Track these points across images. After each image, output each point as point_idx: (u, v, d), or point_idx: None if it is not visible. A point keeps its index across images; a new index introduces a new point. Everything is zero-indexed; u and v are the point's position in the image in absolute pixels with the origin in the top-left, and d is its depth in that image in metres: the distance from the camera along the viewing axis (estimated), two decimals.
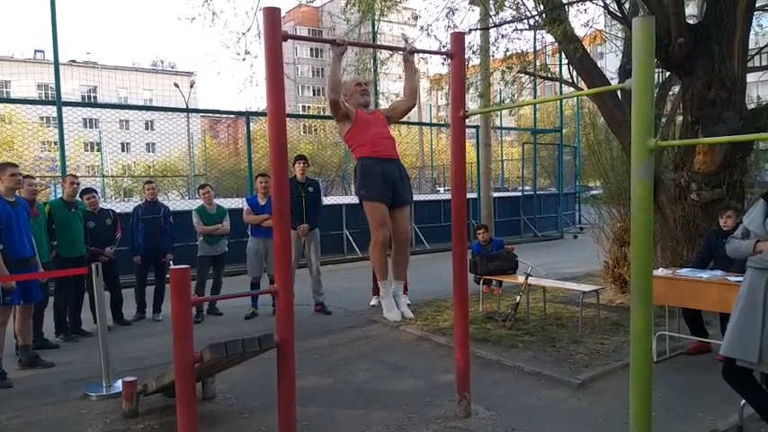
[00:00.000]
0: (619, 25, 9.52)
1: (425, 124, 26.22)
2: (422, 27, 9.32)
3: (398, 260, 4.01)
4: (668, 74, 8.43)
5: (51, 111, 9.70)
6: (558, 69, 15.57)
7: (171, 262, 7.39)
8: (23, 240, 5.24)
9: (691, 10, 10.63)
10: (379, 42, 14.17)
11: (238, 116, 15.63)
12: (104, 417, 4.19)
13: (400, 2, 9.51)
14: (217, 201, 8.00)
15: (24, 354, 5.44)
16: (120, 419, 4.12)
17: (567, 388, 4.55)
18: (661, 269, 5.38)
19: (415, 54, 4.07)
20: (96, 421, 4.12)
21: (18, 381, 5.02)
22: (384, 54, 11.50)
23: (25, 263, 5.23)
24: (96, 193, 7.15)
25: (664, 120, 8.59)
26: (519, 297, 6.55)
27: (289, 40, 3.40)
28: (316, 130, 34.61)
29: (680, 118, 7.55)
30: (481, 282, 7.44)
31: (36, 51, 46.35)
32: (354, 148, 3.89)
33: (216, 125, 37.93)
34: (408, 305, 7.35)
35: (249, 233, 7.56)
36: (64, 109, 9.96)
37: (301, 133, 34.20)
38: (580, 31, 9.06)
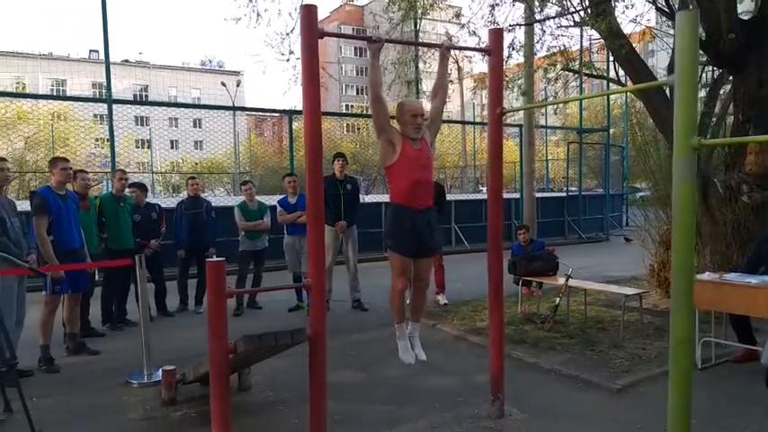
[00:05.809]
0: (669, 22, 9.23)
1: (467, 123, 26.08)
2: (462, 25, 9.25)
3: (416, 304, 4.02)
4: (719, 72, 8.14)
5: (105, 109, 10.06)
6: (605, 66, 15.23)
7: (214, 256, 7.54)
8: (72, 232, 5.44)
9: (746, 6, 10.23)
10: (421, 41, 14.14)
11: (282, 114, 15.85)
12: (144, 403, 4.33)
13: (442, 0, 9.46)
14: (259, 198, 8.16)
15: (72, 341, 5.66)
16: (158, 407, 4.25)
17: (605, 393, 4.45)
18: (708, 273, 5.19)
19: (456, 51, 3.98)
20: (136, 407, 4.26)
21: (65, 366, 5.23)
22: (427, 54, 11.49)
23: (74, 254, 5.43)
24: (139, 188, 7.36)
25: (715, 119, 8.29)
26: (558, 299, 6.43)
27: (333, 40, 3.42)
28: (358, 128, 34.72)
29: (731, 118, 7.28)
30: (520, 283, 7.33)
31: (91, 51, 48.19)
32: (391, 186, 3.81)
33: (261, 123, 38.52)
34: (446, 304, 7.47)
35: (285, 231, 7.69)
36: (116, 107, 10.30)
37: (344, 132, 34.37)
38: (627, 27, 8.84)
